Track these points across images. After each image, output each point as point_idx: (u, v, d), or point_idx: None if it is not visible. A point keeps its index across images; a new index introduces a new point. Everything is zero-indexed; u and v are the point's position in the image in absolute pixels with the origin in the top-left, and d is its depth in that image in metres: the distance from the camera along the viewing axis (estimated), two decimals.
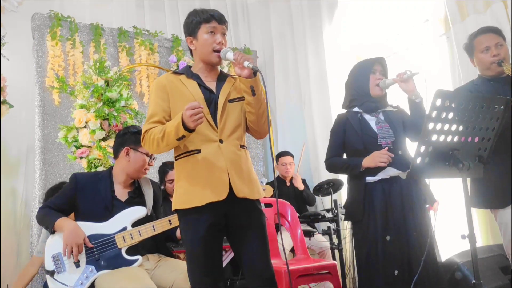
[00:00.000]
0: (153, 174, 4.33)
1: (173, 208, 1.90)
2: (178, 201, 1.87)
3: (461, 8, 3.45)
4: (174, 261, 2.36)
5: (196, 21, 1.91)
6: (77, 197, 2.31)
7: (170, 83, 1.91)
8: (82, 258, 2.20)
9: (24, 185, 4.10)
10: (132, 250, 2.26)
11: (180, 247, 3.03)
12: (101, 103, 3.35)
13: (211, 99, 1.90)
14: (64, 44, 4.13)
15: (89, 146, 3.31)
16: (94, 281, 2.18)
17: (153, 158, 2.44)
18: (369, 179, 2.38)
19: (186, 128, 1.71)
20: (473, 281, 1.72)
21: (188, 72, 1.96)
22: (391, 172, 2.34)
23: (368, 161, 2.35)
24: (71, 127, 3.37)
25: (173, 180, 3.57)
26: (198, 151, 1.83)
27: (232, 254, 2.96)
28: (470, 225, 1.73)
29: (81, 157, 3.31)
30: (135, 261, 2.23)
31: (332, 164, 2.56)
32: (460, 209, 1.91)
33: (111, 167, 2.46)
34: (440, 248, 3.38)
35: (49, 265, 2.21)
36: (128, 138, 2.40)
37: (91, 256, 2.20)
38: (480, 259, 1.80)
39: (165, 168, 3.65)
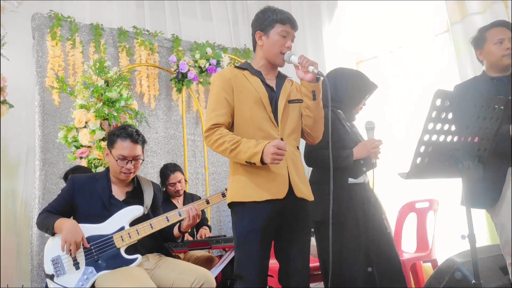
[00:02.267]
0: (152, 174, 4.33)
1: (229, 200, 1.89)
2: (237, 194, 1.86)
3: (461, 8, 3.45)
4: (174, 261, 2.36)
5: (272, 19, 1.92)
6: (75, 198, 2.31)
7: (235, 77, 1.91)
8: (82, 259, 2.20)
9: (24, 185, 4.10)
10: (131, 250, 2.26)
11: (180, 247, 3.03)
12: (101, 103, 3.36)
13: (272, 97, 1.91)
14: (64, 44, 4.13)
15: (89, 146, 3.32)
16: (94, 282, 2.17)
17: (134, 160, 2.32)
18: (351, 180, 2.40)
19: (261, 159, 1.73)
20: (473, 281, 1.72)
21: (251, 68, 1.97)
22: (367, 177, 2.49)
23: (360, 151, 2.36)
24: (71, 127, 3.37)
25: (174, 183, 3.56)
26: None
27: (233, 254, 2.96)
28: (470, 225, 1.73)
29: (81, 157, 3.31)
30: (134, 260, 2.23)
31: (319, 158, 2.35)
32: (460, 209, 1.91)
33: (108, 168, 2.45)
34: (440, 248, 3.39)
35: (49, 269, 2.20)
36: (108, 140, 2.39)
37: (91, 257, 2.20)
38: (480, 259, 1.79)
39: (166, 171, 3.63)
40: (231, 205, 1.90)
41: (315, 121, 1.93)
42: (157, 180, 4.30)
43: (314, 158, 2.40)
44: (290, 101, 1.93)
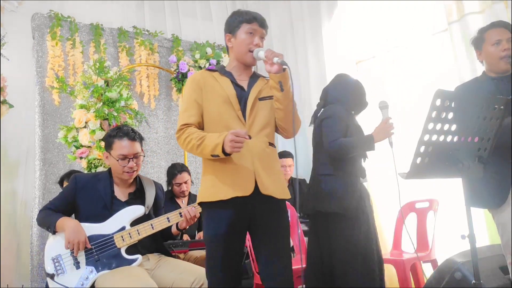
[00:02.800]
0: (152, 174, 4.33)
1: (198, 201, 1.93)
2: (204, 194, 1.89)
3: (459, 7, 3.46)
4: (174, 261, 2.36)
5: (238, 20, 1.97)
6: (77, 197, 2.31)
7: (204, 79, 1.96)
8: (82, 259, 2.20)
9: (24, 185, 4.10)
10: (131, 250, 2.26)
11: (180, 247, 3.03)
12: (101, 103, 3.35)
13: (242, 96, 1.94)
14: (64, 44, 4.14)
15: (89, 146, 3.31)
16: (94, 281, 2.18)
17: (135, 158, 2.34)
18: (361, 180, 2.53)
19: (223, 150, 1.75)
20: (473, 281, 1.72)
21: (221, 69, 2.01)
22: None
23: (379, 134, 2.48)
24: (71, 127, 3.37)
25: (180, 184, 3.57)
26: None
27: None
28: (470, 225, 1.73)
29: (81, 157, 3.31)
30: (134, 260, 2.23)
31: (343, 144, 2.43)
32: (460, 209, 1.91)
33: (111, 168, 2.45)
34: (440, 248, 3.39)
35: (49, 268, 2.20)
36: (106, 142, 2.39)
37: (91, 257, 2.20)
38: (480, 259, 1.79)
39: (173, 171, 3.64)
40: (201, 204, 1.93)
41: (286, 113, 1.93)
42: (157, 180, 4.31)
43: (338, 146, 2.44)
44: (260, 98, 1.95)
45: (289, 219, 1.95)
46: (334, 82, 2.76)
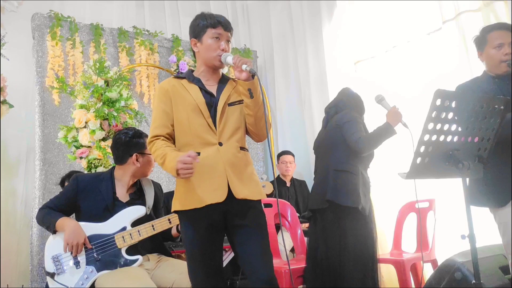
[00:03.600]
0: (152, 174, 4.33)
1: (172, 210, 1.92)
2: (178, 203, 1.89)
3: (456, 6, 3.49)
4: (174, 261, 2.36)
5: (203, 24, 1.94)
6: (78, 198, 2.31)
7: (172, 87, 1.94)
8: (82, 258, 2.20)
9: (24, 185, 4.11)
10: (132, 250, 2.26)
11: (180, 247, 3.03)
12: (101, 103, 3.35)
13: (211, 102, 1.92)
14: (64, 44, 4.13)
15: (89, 146, 3.31)
16: (94, 281, 2.18)
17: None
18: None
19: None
20: (473, 281, 1.72)
21: (189, 76, 1.99)
22: None
23: (392, 119, 2.66)
24: (71, 127, 3.37)
25: None
26: (198, 153, 1.84)
27: (232, 254, 2.96)
28: (470, 225, 1.73)
29: (81, 157, 3.31)
30: (135, 261, 2.23)
31: (368, 138, 2.64)
32: (460, 209, 1.90)
33: (112, 168, 2.45)
34: (440, 248, 3.39)
35: (49, 267, 2.21)
36: (134, 145, 2.40)
37: (91, 256, 2.20)
38: (480, 259, 1.79)
39: None
40: (176, 212, 1.94)
41: (257, 119, 1.92)
42: (157, 180, 4.31)
43: (366, 141, 2.62)
44: (230, 104, 1.94)
45: (265, 218, 1.95)
46: (342, 94, 3.02)
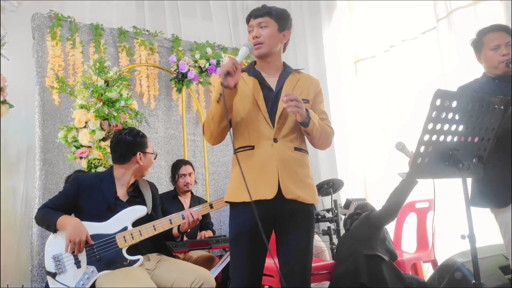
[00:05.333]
0: (152, 174, 4.33)
1: (224, 200, 1.93)
2: (229, 194, 1.90)
3: (446, 4, 3.52)
4: (174, 261, 2.36)
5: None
6: (79, 197, 2.31)
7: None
8: (83, 258, 2.20)
9: (24, 185, 4.10)
10: (132, 250, 2.26)
11: (180, 247, 3.03)
12: (101, 103, 3.35)
13: (269, 96, 1.90)
14: (64, 44, 4.13)
15: (89, 146, 3.31)
16: (95, 281, 2.18)
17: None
18: None
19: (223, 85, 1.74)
20: (473, 281, 1.72)
21: (250, 69, 1.97)
22: None
23: None
24: (71, 127, 3.37)
25: (185, 175, 3.62)
26: (252, 147, 1.85)
27: None
28: (470, 225, 1.73)
29: (81, 157, 3.31)
30: (136, 261, 2.23)
31: (393, 198, 2.86)
32: (460, 209, 1.90)
33: (111, 168, 2.46)
34: (440, 248, 3.39)
35: (50, 267, 2.21)
36: (138, 144, 2.42)
37: (92, 256, 2.20)
38: (480, 259, 1.79)
39: (179, 163, 3.72)
40: (228, 203, 1.95)
41: (313, 139, 1.91)
42: (157, 180, 4.31)
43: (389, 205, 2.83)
44: None
45: (314, 223, 1.93)
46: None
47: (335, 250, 3.42)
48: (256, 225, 1.69)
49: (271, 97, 1.90)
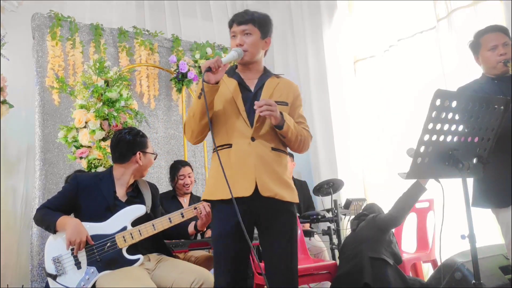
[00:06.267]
0: (152, 175, 4.33)
1: (202, 198, 1.95)
2: (207, 192, 1.92)
3: (446, 4, 3.52)
4: (174, 261, 2.36)
5: (229, 29, 1.99)
6: (79, 197, 2.30)
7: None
8: (83, 259, 2.20)
9: (24, 185, 4.10)
10: (132, 250, 2.26)
11: (180, 247, 3.02)
12: (101, 103, 3.36)
13: (248, 97, 1.93)
14: (64, 44, 4.13)
15: (89, 146, 3.31)
16: (95, 282, 2.17)
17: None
18: None
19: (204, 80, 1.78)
20: (473, 281, 1.72)
21: (230, 71, 2.01)
22: None
23: None
24: (71, 127, 3.37)
25: (184, 176, 3.61)
26: (230, 145, 1.87)
27: None
28: (470, 225, 1.73)
29: (81, 157, 3.31)
30: (136, 260, 2.23)
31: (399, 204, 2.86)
32: (460, 209, 1.90)
33: (111, 168, 2.45)
34: (441, 248, 3.39)
35: (50, 269, 2.20)
36: (138, 143, 2.42)
37: (92, 257, 2.20)
38: (480, 259, 1.79)
39: (177, 165, 3.69)
40: (208, 202, 1.98)
41: (289, 141, 1.93)
42: (157, 180, 4.31)
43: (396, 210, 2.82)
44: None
45: (296, 221, 1.93)
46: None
47: (336, 250, 3.42)
48: (238, 224, 1.71)
49: (250, 97, 1.93)
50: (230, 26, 1.96)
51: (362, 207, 3.35)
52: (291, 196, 1.91)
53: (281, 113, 1.84)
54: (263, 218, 1.87)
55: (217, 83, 1.80)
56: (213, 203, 1.90)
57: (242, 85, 1.96)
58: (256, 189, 1.82)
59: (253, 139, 1.87)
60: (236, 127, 1.88)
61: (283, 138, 1.91)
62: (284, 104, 1.95)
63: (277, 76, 2.04)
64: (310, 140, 2.03)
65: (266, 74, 2.02)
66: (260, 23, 1.95)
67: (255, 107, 1.81)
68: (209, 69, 1.78)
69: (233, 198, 1.72)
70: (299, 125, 1.97)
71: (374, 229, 2.85)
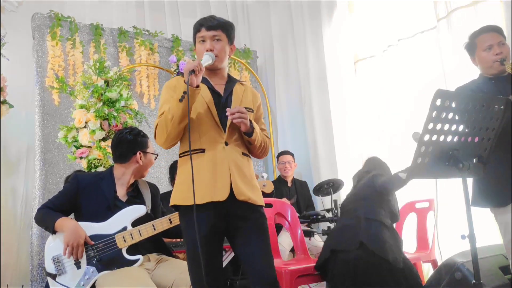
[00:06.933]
0: (152, 175, 4.33)
1: (171, 204, 1.91)
2: (179, 197, 1.88)
3: (446, 4, 3.53)
4: (174, 261, 2.36)
5: (193, 31, 2.00)
6: (79, 197, 2.30)
7: (180, 85, 1.94)
8: (83, 259, 2.20)
9: (24, 185, 4.11)
10: (132, 250, 2.26)
11: (180, 247, 3.03)
12: (101, 103, 3.36)
13: (218, 101, 1.93)
14: (64, 44, 4.13)
15: (89, 146, 3.32)
16: (95, 281, 2.17)
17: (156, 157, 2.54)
18: None
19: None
20: (473, 281, 1.72)
21: None
22: None
23: None
24: (71, 127, 3.37)
25: None
26: (203, 150, 1.86)
27: (233, 254, 2.96)
28: (470, 225, 1.73)
29: (81, 157, 3.31)
30: (136, 260, 2.23)
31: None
32: (460, 209, 1.90)
33: (111, 167, 2.45)
34: (441, 248, 3.39)
35: (50, 268, 2.20)
36: (139, 143, 2.43)
37: (92, 257, 2.20)
38: (480, 259, 1.79)
39: (176, 165, 3.65)
40: (176, 208, 1.92)
41: (253, 148, 1.96)
42: (157, 180, 4.31)
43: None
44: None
45: (267, 221, 1.95)
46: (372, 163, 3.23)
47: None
48: (212, 227, 1.78)
49: (221, 103, 1.94)
50: (198, 30, 1.96)
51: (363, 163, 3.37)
52: (260, 199, 1.95)
53: (250, 120, 1.88)
54: (236, 222, 1.87)
55: (197, 86, 1.81)
56: (184, 209, 1.86)
57: (213, 90, 1.96)
58: (231, 193, 1.82)
59: (226, 143, 1.88)
60: (209, 131, 1.87)
61: (249, 145, 1.94)
62: (251, 111, 1.97)
63: (241, 83, 2.05)
64: (269, 146, 2.07)
65: (231, 80, 2.04)
66: (227, 30, 1.97)
67: (227, 113, 1.83)
68: (192, 72, 1.76)
69: (212, 202, 1.76)
70: (262, 132, 2.01)
71: (372, 189, 2.90)
